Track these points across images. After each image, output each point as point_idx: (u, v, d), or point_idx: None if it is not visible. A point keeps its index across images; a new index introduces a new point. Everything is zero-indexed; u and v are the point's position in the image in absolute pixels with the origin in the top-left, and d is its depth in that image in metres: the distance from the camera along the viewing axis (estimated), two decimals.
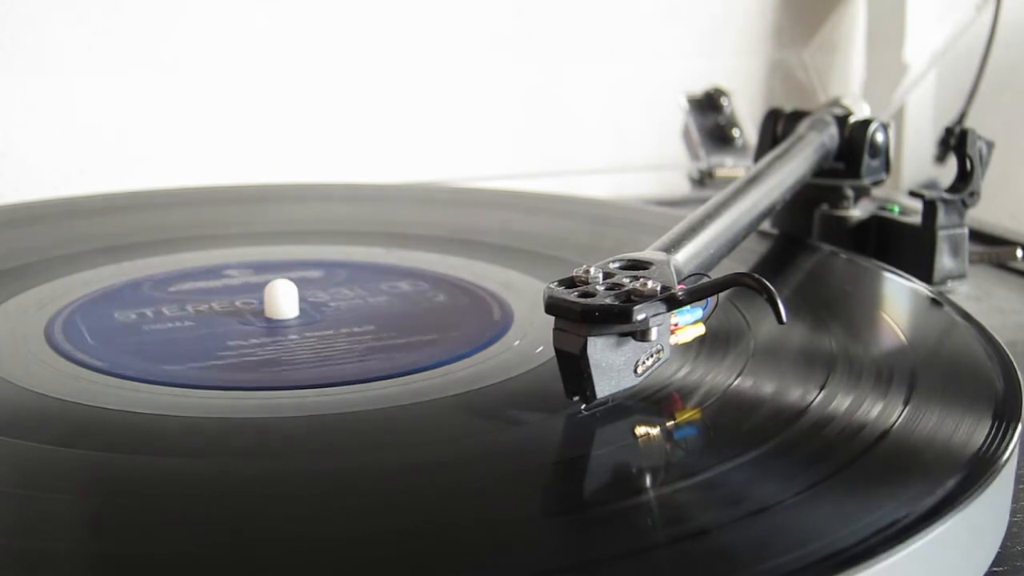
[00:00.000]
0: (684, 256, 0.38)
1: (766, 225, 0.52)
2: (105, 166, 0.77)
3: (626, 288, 0.33)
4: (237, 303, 0.44)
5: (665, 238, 0.38)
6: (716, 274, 0.34)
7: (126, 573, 0.25)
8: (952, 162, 0.52)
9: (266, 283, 0.43)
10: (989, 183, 0.51)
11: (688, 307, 0.33)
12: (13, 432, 0.32)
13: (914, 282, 0.47)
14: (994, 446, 0.31)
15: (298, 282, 0.43)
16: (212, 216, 0.60)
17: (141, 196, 0.63)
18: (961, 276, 0.51)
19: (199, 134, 0.79)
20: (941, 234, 0.50)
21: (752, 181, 0.46)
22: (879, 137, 0.53)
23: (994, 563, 0.31)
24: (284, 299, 0.42)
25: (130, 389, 0.35)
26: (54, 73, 0.75)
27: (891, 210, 0.55)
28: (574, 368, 0.32)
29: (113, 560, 0.26)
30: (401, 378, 0.37)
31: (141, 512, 0.28)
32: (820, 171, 0.53)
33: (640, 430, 0.33)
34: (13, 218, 0.58)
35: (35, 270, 0.48)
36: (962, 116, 0.81)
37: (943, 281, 0.50)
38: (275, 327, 0.42)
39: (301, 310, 0.42)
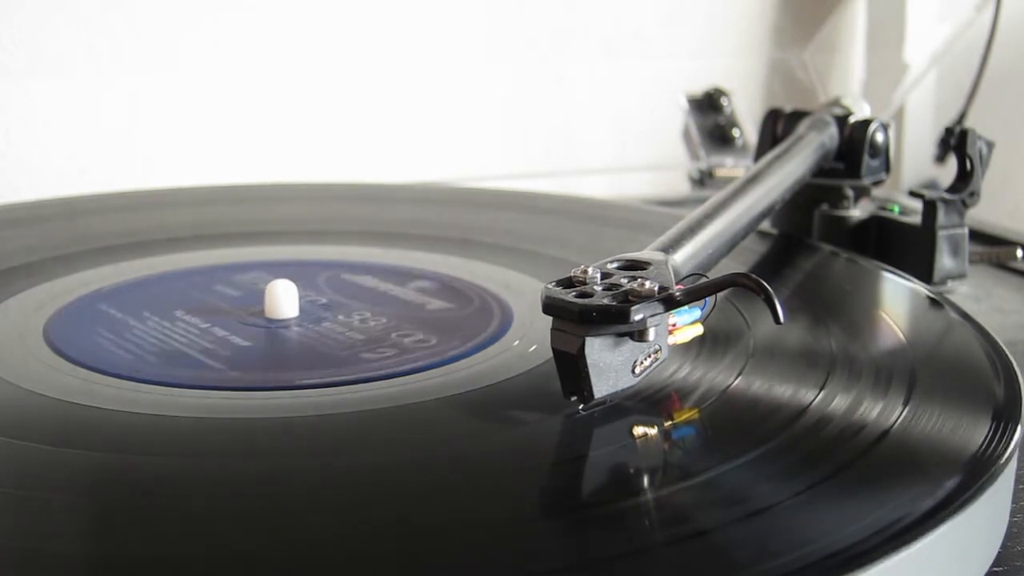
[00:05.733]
0: (682, 256, 0.38)
1: (766, 225, 0.52)
2: (105, 166, 0.77)
3: (624, 288, 0.33)
4: (237, 303, 0.44)
5: (663, 238, 0.38)
6: (715, 274, 0.34)
7: (126, 573, 0.26)
8: (952, 162, 0.52)
9: (267, 283, 0.43)
10: (989, 183, 0.51)
11: (686, 307, 0.33)
12: (13, 432, 0.32)
13: (914, 282, 0.47)
14: (994, 446, 0.31)
15: (298, 282, 0.43)
16: (212, 216, 0.60)
17: (141, 196, 0.63)
18: (961, 276, 0.51)
19: (199, 134, 0.79)
20: (941, 234, 0.50)
21: (751, 181, 0.46)
22: (879, 137, 0.53)
23: (994, 563, 0.31)
24: (284, 299, 0.42)
25: (130, 389, 0.36)
26: (54, 73, 0.75)
27: (891, 210, 0.55)
28: (572, 368, 0.32)
29: (113, 560, 0.26)
30: (401, 378, 0.37)
31: (141, 512, 0.28)
32: (820, 171, 0.53)
33: (639, 430, 0.33)
34: (13, 218, 0.58)
35: (35, 270, 0.48)
36: (962, 116, 0.81)
37: (943, 281, 0.50)
38: (275, 327, 0.42)
39: (301, 310, 0.42)
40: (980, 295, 0.57)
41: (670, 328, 0.34)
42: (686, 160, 0.83)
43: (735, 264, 0.45)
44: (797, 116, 0.55)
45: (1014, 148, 0.75)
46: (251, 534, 0.27)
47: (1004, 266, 0.61)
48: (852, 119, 0.54)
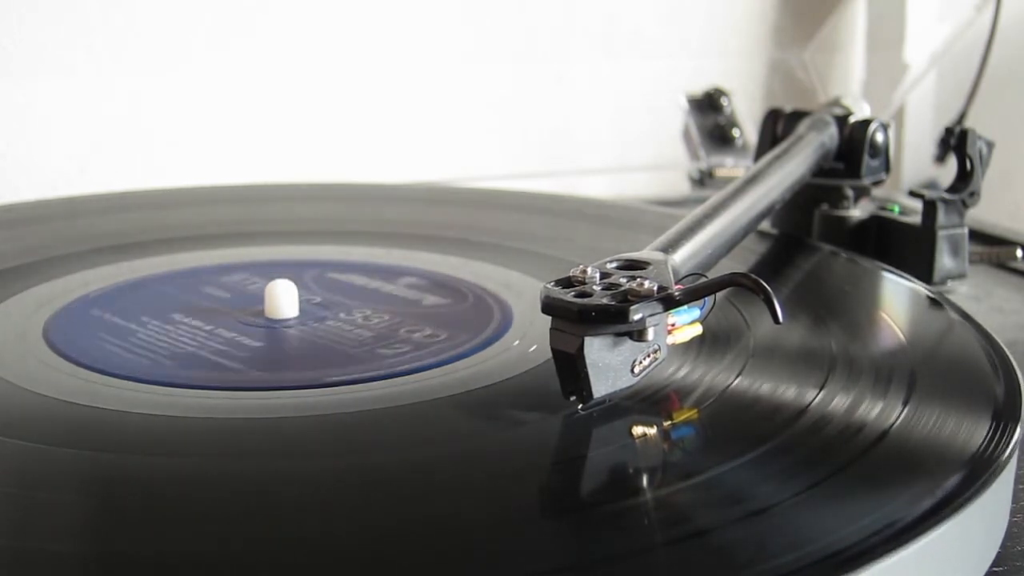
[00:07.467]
0: (682, 256, 0.38)
1: (766, 225, 0.52)
2: (105, 166, 0.77)
3: (623, 288, 0.33)
4: (237, 303, 0.44)
5: (663, 238, 0.38)
6: (715, 274, 0.34)
7: (126, 573, 0.26)
8: (952, 162, 0.52)
9: (266, 284, 0.43)
10: (989, 183, 0.51)
11: (685, 307, 0.33)
12: (13, 432, 0.32)
13: (914, 282, 0.47)
14: (994, 446, 0.31)
15: (298, 282, 0.43)
16: (212, 216, 0.60)
17: (141, 196, 0.63)
18: (961, 276, 0.51)
19: (199, 134, 0.79)
20: (941, 234, 0.50)
21: (751, 181, 0.46)
22: (879, 137, 0.53)
23: (994, 563, 0.31)
24: (284, 299, 0.42)
25: (129, 389, 0.36)
26: (54, 73, 0.75)
27: (891, 210, 0.55)
28: (571, 368, 0.32)
29: (113, 560, 0.26)
30: (401, 378, 0.37)
31: (140, 512, 0.28)
32: (820, 171, 0.53)
33: (639, 430, 0.33)
34: (13, 218, 0.58)
35: (35, 270, 0.48)
36: (962, 116, 0.81)
37: (943, 281, 0.50)
38: (275, 327, 0.42)
39: (301, 310, 0.42)
40: (980, 295, 0.57)
41: (669, 328, 0.34)
42: (686, 160, 0.83)
43: (735, 264, 0.45)
44: (797, 116, 0.55)
45: (1014, 148, 0.75)
46: (251, 534, 0.27)
47: (1004, 266, 0.61)
48: (852, 119, 0.54)
